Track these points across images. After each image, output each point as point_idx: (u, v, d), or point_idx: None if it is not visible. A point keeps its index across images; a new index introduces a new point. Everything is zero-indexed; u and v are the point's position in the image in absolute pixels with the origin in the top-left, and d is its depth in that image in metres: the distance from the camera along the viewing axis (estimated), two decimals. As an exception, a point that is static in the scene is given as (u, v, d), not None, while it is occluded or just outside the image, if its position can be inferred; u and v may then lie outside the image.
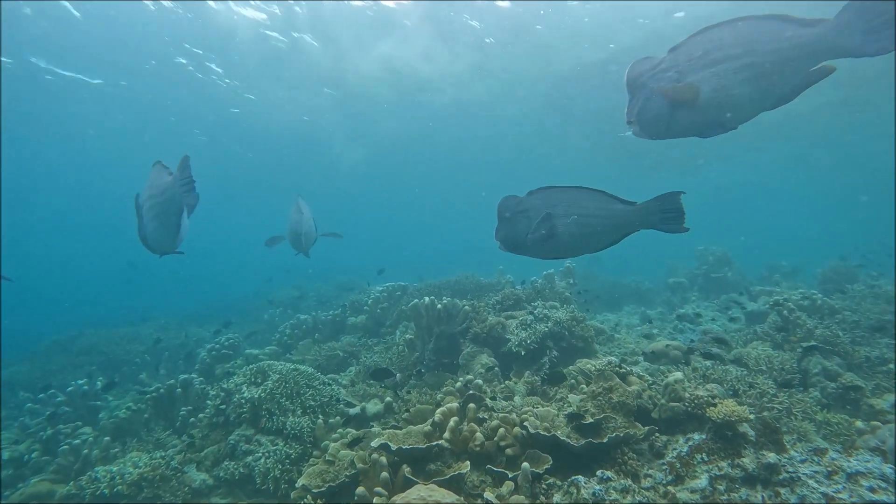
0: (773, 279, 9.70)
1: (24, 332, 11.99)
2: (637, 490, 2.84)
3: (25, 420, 5.44)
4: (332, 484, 3.06)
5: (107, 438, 4.54)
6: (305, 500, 2.97)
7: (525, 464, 2.88)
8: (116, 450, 4.50)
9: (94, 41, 10.87)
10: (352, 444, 3.44)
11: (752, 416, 3.07)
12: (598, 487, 2.76)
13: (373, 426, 4.04)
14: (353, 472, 3.11)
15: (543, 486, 2.90)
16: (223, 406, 4.20)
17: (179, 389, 5.04)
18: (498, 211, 2.49)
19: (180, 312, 11.28)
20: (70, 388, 5.47)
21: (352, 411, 4.22)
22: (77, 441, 4.42)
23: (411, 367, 5.08)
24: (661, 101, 2.18)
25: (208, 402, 4.72)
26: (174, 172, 2.59)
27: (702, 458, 3.01)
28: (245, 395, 4.05)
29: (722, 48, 2.06)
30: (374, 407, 4.29)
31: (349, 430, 3.82)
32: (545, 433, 3.09)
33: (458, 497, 2.49)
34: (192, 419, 4.63)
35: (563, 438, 3.05)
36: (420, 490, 2.46)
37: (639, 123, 2.29)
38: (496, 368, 4.66)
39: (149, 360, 7.25)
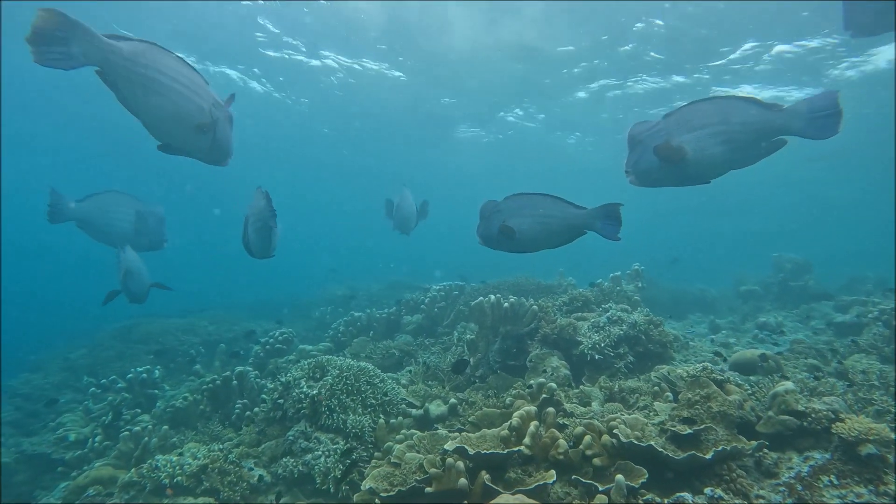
0: (863, 289, 8.95)
1: (84, 318, 12.30)
2: (751, 513, 2.47)
3: (89, 404, 5.46)
4: (401, 488, 2.79)
5: (165, 427, 4.46)
6: (375, 502, 2.71)
7: (619, 476, 2.55)
8: (174, 439, 4.41)
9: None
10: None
11: (893, 436, 2.63)
12: (708, 508, 2.41)
13: (437, 428, 3.77)
14: (423, 476, 2.84)
15: (640, 501, 2.56)
16: (281, 400, 4.02)
17: (235, 382, 4.91)
18: (479, 212, 2.98)
19: (234, 305, 11.35)
20: (130, 376, 5.45)
21: (414, 412, 3.97)
22: (137, 428, 4.35)
23: (473, 369, 4.80)
24: (652, 157, 2.63)
25: (264, 395, 4.57)
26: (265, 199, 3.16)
27: (829, 481, 2.60)
28: (304, 389, 3.86)
29: (703, 117, 2.54)
30: (436, 408, 4.02)
31: (413, 431, 3.56)
32: (639, 443, 2.74)
33: (548, 511, 2.18)
34: (249, 413, 4.49)
35: (661, 450, 2.69)
36: (508, 499, 2.17)
37: (634, 173, 2.78)
38: (567, 372, 4.32)
39: (203, 352, 7.23)
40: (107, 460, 4.29)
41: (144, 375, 5.42)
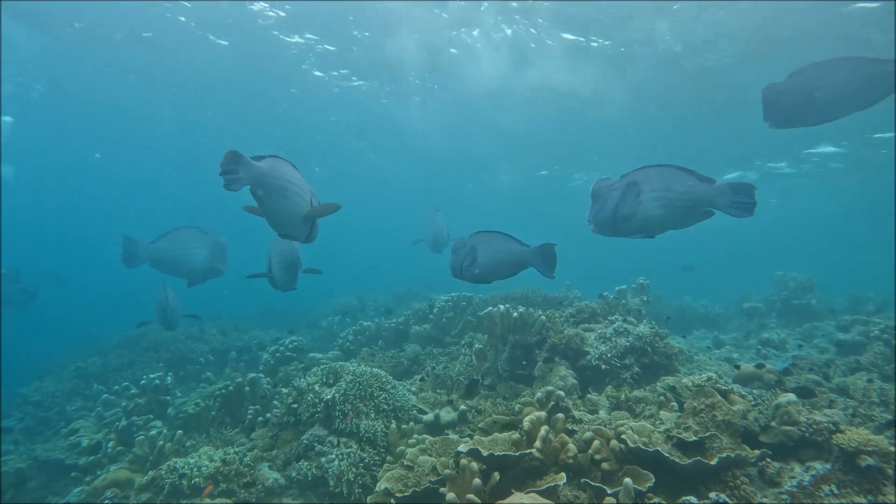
0: (865, 310, 9.02)
1: (93, 326, 12.41)
2: (756, 518, 2.55)
3: (101, 410, 5.55)
4: (416, 489, 2.89)
5: (179, 432, 4.54)
6: (390, 502, 2.80)
7: (627, 479, 2.64)
8: (189, 444, 4.49)
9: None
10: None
11: (892, 449, 2.72)
12: (714, 511, 2.49)
13: (447, 433, 3.85)
14: (437, 477, 2.93)
15: (648, 504, 2.65)
16: (295, 405, 4.11)
17: (248, 388, 5.00)
18: (451, 247, 3.34)
19: (242, 314, 11.44)
20: (143, 382, 5.54)
21: (425, 418, 4.06)
22: (153, 432, 4.44)
23: (482, 377, 4.89)
24: (608, 212, 2.99)
25: (276, 401, 4.66)
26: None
27: (830, 491, 2.69)
28: (319, 394, 3.95)
29: (650, 182, 2.88)
30: (447, 415, 4.11)
31: (425, 436, 3.65)
32: (646, 448, 2.83)
33: (560, 509, 2.27)
34: (261, 418, 4.58)
35: (667, 455, 2.78)
36: (522, 498, 2.26)
37: (594, 224, 3.09)
38: (575, 381, 4.41)
39: (213, 360, 7.32)
40: (122, 464, 4.36)
41: (157, 382, 5.51)
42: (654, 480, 2.72)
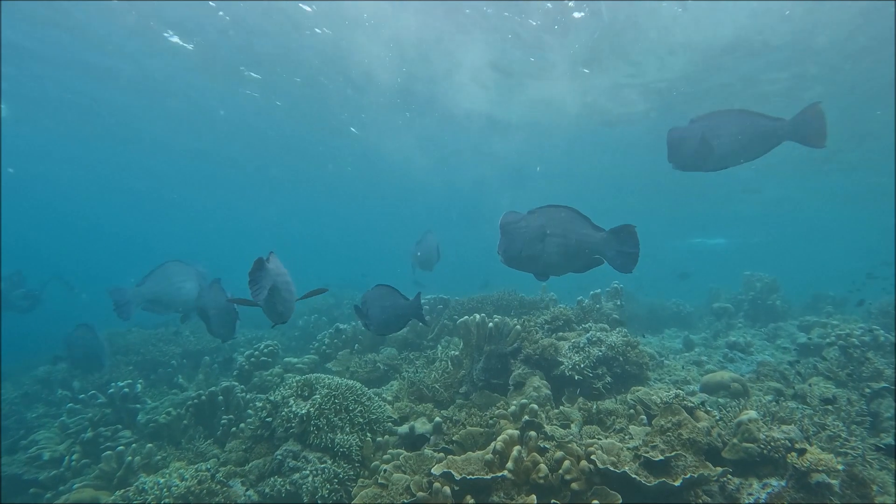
0: (824, 310, 9.33)
1: (56, 329, 12.12)
2: (717, 539, 2.65)
3: (65, 420, 5.41)
4: (389, 511, 2.92)
5: (150, 445, 4.48)
6: (362, 527, 2.83)
7: (595, 501, 2.71)
8: (158, 457, 4.43)
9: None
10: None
11: (840, 468, 2.86)
12: (678, 534, 2.58)
13: (424, 448, 3.89)
14: (411, 498, 2.97)
15: (616, 526, 2.73)
16: (269, 419, 4.10)
17: (221, 397, 4.96)
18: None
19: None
20: (111, 391, 5.43)
21: (400, 430, 4.09)
22: (120, 447, 4.35)
23: (457, 385, 4.94)
24: (515, 247, 3.13)
25: (250, 412, 4.64)
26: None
27: (784, 508, 2.81)
28: (294, 409, 3.94)
29: (552, 225, 3.02)
30: (422, 426, 4.14)
31: (400, 451, 3.68)
32: (615, 469, 2.91)
33: (531, 537, 2.33)
34: (234, 429, 4.55)
35: (634, 476, 2.86)
36: (493, 527, 2.31)
37: (503, 257, 3.21)
38: (548, 392, 4.49)
39: (185, 364, 7.24)
40: (86, 480, 4.23)
41: (126, 390, 5.41)
42: (620, 501, 2.81)
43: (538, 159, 16.94)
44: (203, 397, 4.95)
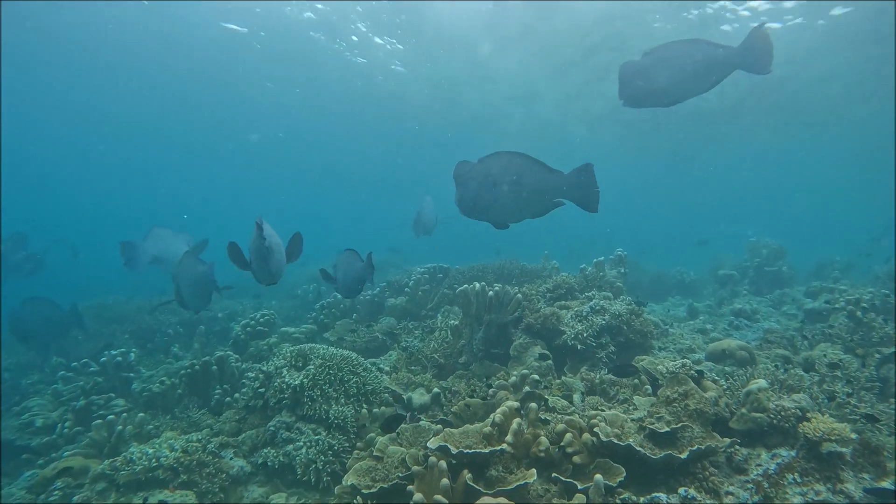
0: (831, 276, 9.16)
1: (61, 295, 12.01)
2: (724, 513, 2.54)
3: (58, 387, 5.34)
4: (383, 485, 2.81)
5: (141, 415, 4.38)
6: (355, 501, 2.72)
7: (598, 476, 2.59)
8: (150, 426, 4.34)
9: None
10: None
11: (854, 436, 2.74)
12: (682, 508, 2.46)
13: (420, 419, 3.78)
14: (406, 472, 2.86)
15: (617, 500, 2.62)
16: (262, 389, 3.99)
17: (215, 367, 4.85)
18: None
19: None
20: (104, 359, 5.34)
21: (396, 409, 3.98)
22: (111, 416, 4.25)
23: (457, 355, 4.82)
24: (469, 196, 3.03)
25: (245, 381, 4.53)
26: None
27: (793, 479, 2.70)
28: (287, 380, 3.82)
29: (504, 172, 2.89)
30: (420, 398, 4.04)
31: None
32: (618, 442, 2.79)
33: (531, 514, 2.22)
34: (228, 399, 4.46)
35: (639, 449, 2.74)
36: (489, 501, 2.19)
37: (459, 207, 3.12)
38: (550, 362, 4.36)
39: (181, 332, 7.13)
40: (77, 448, 4.14)
41: (119, 359, 5.31)
42: (624, 475, 2.69)
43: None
44: (197, 367, 4.84)
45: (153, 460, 3.38)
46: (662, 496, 2.55)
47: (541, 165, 2.87)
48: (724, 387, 3.47)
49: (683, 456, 2.67)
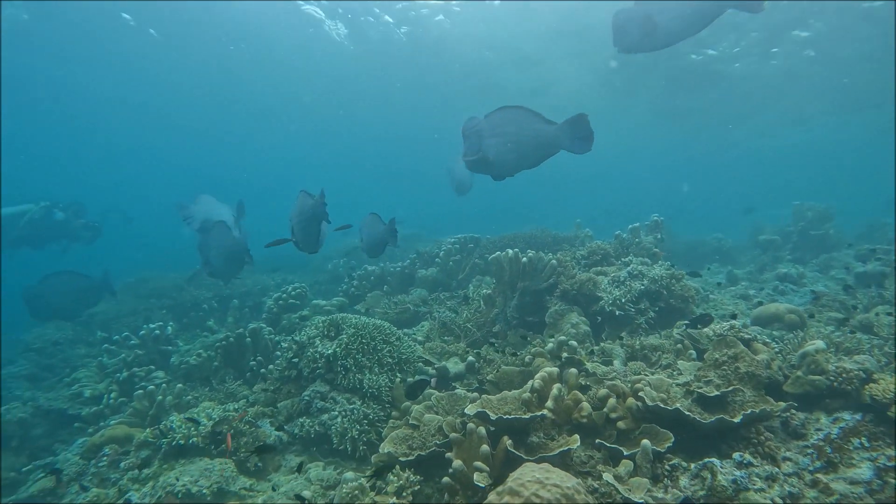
0: (884, 238, 8.71)
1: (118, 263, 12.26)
2: (783, 478, 2.39)
3: (103, 360, 5.47)
4: (420, 452, 2.74)
5: (179, 385, 4.43)
6: (394, 470, 2.67)
7: (645, 441, 2.47)
8: (188, 397, 4.39)
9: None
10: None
11: (930, 398, 2.54)
12: (739, 473, 2.33)
13: (455, 387, 3.71)
14: (444, 439, 2.79)
15: (666, 466, 2.49)
16: (296, 360, 3.96)
17: (249, 339, 4.87)
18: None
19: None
20: (143, 332, 5.43)
21: (431, 371, 3.90)
22: (151, 386, 4.33)
23: (490, 324, 4.72)
24: (474, 150, 3.07)
25: (278, 353, 4.52)
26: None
27: (860, 444, 2.52)
28: (320, 349, 3.79)
29: (505, 125, 2.96)
30: (454, 366, 3.96)
31: (431, 391, 3.50)
32: (665, 406, 2.65)
33: (576, 479, 2.11)
34: (263, 370, 4.46)
35: (688, 413, 2.60)
36: (534, 471, 2.09)
37: (464, 160, 3.14)
38: (587, 329, 4.22)
39: (216, 307, 7.20)
40: (122, 417, 4.28)
41: (157, 332, 5.39)
42: (673, 440, 2.56)
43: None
44: (231, 339, 4.87)
45: (192, 428, 3.40)
46: (716, 461, 2.42)
47: (539, 117, 2.95)
48: (776, 349, 3.29)
49: (736, 420, 2.53)
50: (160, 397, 4.18)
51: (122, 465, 3.54)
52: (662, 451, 2.50)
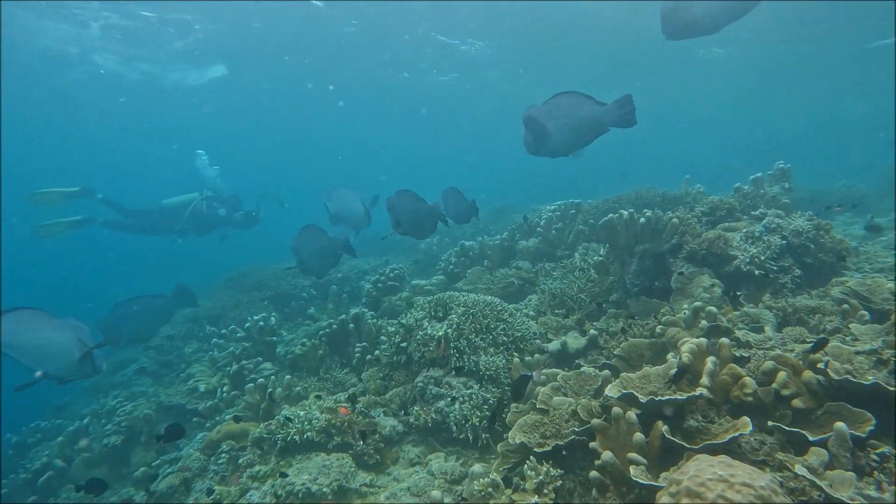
0: None
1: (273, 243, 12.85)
2: None
3: (214, 354, 5.58)
4: (558, 442, 2.43)
5: (288, 377, 4.38)
6: (529, 462, 2.37)
7: (839, 424, 2.01)
8: (298, 388, 4.32)
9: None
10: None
11: None
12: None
13: (580, 364, 3.36)
14: (581, 426, 2.45)
15: (873, 455, 2.02)
16: (404, 343, 3.76)
17: (352, 325, 4.74)
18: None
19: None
20: (248, 325, 5.47)
21: (550, 347, 3.56)
22: (261, 379, 4.30)
23: (605, 294, 4.30)
24: (537, 135, 3.19)
25: (383, 337, 4.36)
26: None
27: None
28: (429, 331, 3.55)
29: (559, 109, 3.13)
30: (574, 342, 3.59)
31: (555, 370, 3.17)
32: (857, 380, 2.17)
33: (768, 475, 1.71)
34: (369, 356, 4.31)
35: (891, 388, 2.10)
36: (713, 465, 1.72)
37: (525, 145, 3.30)
38: (720, 292, 3.71)
39: (315, 295, 7.22)
40: (236, 411, 4.29)
41: (262, 323, 5.41)
42: (874, 423, 2.08)
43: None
44: (334, 326, 4.77)
45: (305, 423, 3.27)
46: (942, 448, 1.92)
47: (591, 99, 3.11)
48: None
49: (958, 394, 2.00)
50: (270, 389, 4.13)
51: (240, 461, 3.49)
52: (864, 435, 2.03)
